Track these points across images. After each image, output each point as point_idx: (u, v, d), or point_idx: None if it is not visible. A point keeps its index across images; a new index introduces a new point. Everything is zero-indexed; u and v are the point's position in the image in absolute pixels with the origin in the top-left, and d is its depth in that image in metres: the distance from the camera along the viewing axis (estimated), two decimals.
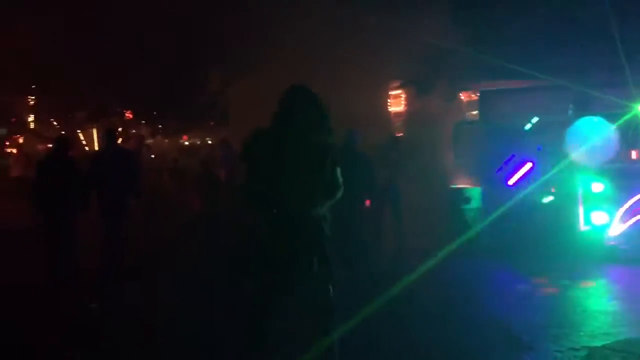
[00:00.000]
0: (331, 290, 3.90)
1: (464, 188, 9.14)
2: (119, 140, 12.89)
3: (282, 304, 3.87)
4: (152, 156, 18.50)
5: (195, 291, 6.50)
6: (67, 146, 7.69)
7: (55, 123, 18.48)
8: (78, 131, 19.99)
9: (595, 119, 8.03)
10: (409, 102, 17.11)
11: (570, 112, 8.63)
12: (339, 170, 3.91)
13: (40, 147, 18.94)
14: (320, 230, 3.85)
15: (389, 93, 17.86)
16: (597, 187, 7.85)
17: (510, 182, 8.83)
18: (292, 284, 3.83)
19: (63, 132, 18.79)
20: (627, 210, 7.62)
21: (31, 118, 17.70)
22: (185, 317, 5.68)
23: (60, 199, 7.19)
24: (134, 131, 19.24)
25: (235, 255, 5.97)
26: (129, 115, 17.92)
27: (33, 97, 17.32)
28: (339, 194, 3.93)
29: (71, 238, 7.33)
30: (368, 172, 7.53)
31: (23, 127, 18.43)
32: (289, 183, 3.75)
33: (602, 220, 7.80)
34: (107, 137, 8.02)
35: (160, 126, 18.85)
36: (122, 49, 14.23)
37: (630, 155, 8.17)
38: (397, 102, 18.23)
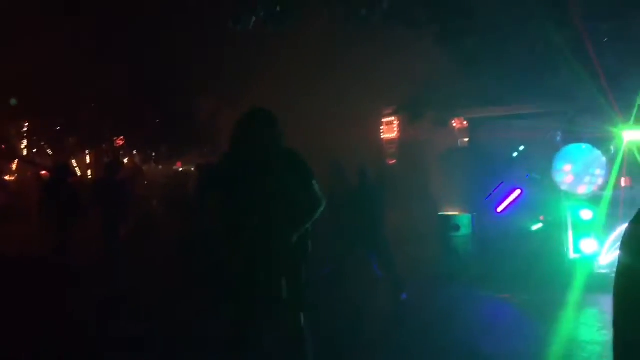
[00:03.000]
0: (302, 318, 3.79)
1: (453, 215, 9.07)
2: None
3: (256, 332, 3.76)
4: (145, 182, 18.43)
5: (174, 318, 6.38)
6: (67, 173, 8.64)
7: (49, 151, 18.41)
8: (72, 159, 19.97)
9: (584, 145, 8.00)
10: (402, 128, 17.17)
11: (558, 139, 8.60)
12: (315, 185, 3.84)
13: (29, 174, 18.89)
14: (292, 252, 3.75)
15: (382, 120, 17.93)
16: (586, 214, 7.78)
17: (499, 209, 8.77)
18: (261, 312, 3.72)
19: (56, 159, 18.77)
20: (616, 237, 7.53)
21: (23, 145, 17.70)
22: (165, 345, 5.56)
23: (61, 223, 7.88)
24: (128, 159, 19.22)
25: (214, 282, 5.86)
26: (119, 142, 17.89)
27: (25, 124, 17.32)
28: (319, 210, 3.84)
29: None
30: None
31: (14, 154, 18.38)
32: (257, 204, 3.68)
33: (592, 248, 7.72)
34: (109, 168, 9.05)
35: (153, 153, 18.80)
36: (116, 76, 14.28)
37: (619, 182, 8.11)
38: (389, 129, 18.30)
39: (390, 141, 17.64)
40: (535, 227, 8.47)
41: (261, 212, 3.69)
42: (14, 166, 21.72)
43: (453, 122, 13.73)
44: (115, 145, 17.90)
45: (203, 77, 15.08)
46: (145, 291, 7.64)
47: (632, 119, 7.54)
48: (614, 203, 7.64)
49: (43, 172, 15.52)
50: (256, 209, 3.69)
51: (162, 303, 7.02)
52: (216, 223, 3.97)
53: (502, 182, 8.78)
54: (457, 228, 8.89)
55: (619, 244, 1.56)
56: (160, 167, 23.75)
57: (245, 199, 3.71)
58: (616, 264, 1.58)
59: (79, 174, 18.25)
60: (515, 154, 9.09)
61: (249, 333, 3.76)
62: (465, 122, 12.74)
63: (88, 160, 21.35)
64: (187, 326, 6.00)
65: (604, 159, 7.94)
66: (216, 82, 15.44)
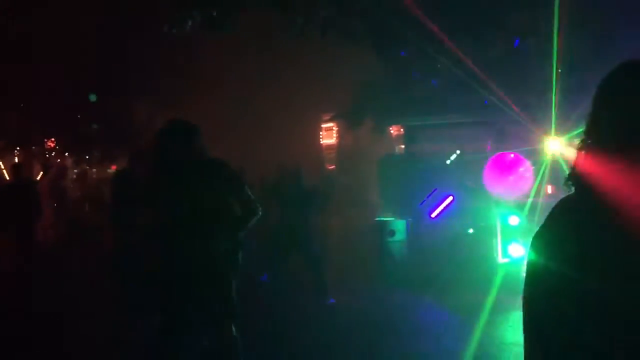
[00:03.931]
0: (233, 329, 3.77)
1: (388, 220, 9.24)
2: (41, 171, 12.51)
3: (186, 343, 3.73)
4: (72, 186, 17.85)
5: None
6: None
7: None
8: None
9: (512, 154, 8.34)
10: (340, 134, 17.38)
11: (489, 148, 8.93)
12: (247, 189, 3.83)
13: None
14: (220, 262, 3.74)
15: (321, 126, 18.10)
16: (514, 220, 8.09)
17: (433, 214, 9.01)
18: (191, 322, 3.69)
19: None
20: None
21: None
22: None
23: None
24: (58, 160, 18.57)
25: (140, 292, 5.74)
26: (50, 144, 17.29)
27: None
28: (257, 212, 3.83)
29: None
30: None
31: None
32: (180, 219, 3.64)
33: (519, 253, 8.02)
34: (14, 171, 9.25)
35: (86, 156, 18.25)
36: (46, 76, 13.81)
37: (545, 189, 8.49)
38: (329, 135, 18.48)
39: (329, 147, 17.82)
40: (468, 232, 8.75)
41: (184, 223, 3.65)
42: None
43: (390, 129, 14.02)
44: (45, 147, 17.28)
45: (139, 79, 14.79)
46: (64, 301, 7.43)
47: (553, 130, 7.92)
48: (539, 209, 7.98)
49: None
50: (178, 220, 3.65)
51: (84, 314, 6.84)
52: (140, 235, 3.89)
53: (435, 189, 9.02)
54: (393, 233, 9.06)
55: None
56: (94, 170, 23.09)
57: (167, 212, 3.67)
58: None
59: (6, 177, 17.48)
60: (448, 162, 9.37)
61: (178, 344, 3.72)
62: (401, 130, 13.04)
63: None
64: (112, 339, 5.87)
65: (531, 167, 8.30)
66: (152, 85, 15.17)
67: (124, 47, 13.52)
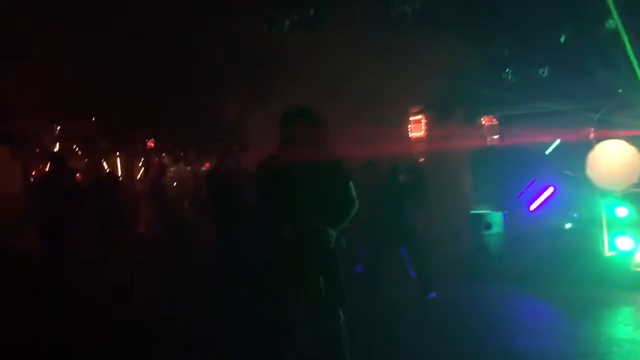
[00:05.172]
0: (341, 315, 3.84)
1: (485, 213, 9.04)
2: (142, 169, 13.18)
3: (296, 329, 3.83)
4: (175, 184, 18.68)
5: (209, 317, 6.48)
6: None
7: (79, 152, 18.78)
8: (103, 160, 20.31)
9: (617, 142, 7.92)
10: (430, 127, 17.11)
11: (591, 135, 8.53)
12: (352, 186, 3.90)
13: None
14: (331, 250, 3.81)
15: (410, 118, 17.89)
16: (622, 211, 7.70)
17: (532, 207, 8.72)
18: (300, 311, 3.79)
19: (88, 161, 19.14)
20: None
21: (56, 148, 18.06)
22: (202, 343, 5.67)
23: None
24: (157, 159, 19.49)
25: (250, 281, 5.95)
26: (150, 144, 18.17)
27: (57, 127, 17.67)
28: (354, 211, 3.92)
29: None
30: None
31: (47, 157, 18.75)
32: (301, 203, 3.75)
33: (628, 246, 7.64)
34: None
35: (181, 154, 19.05)
36: (143, 78, 14.50)
37: None
38: (417, 127, 18.24)
39: (418, 139, 17.60)
40: (569, 225, 8.41)
41: (304, 213, 3.75)
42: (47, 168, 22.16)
43: (482, 120, 13.66)
44: (146, 147, 18.20)
45: (230, 77, 15.22)
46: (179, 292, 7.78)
47: None
48: None
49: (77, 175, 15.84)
50: (300, 209, 3.76)
51: (197, 303, 7.14)
52: (257, 224, 4.05)
53: (534, 180, 8.73)
54: (489, 226, 8.87)
55: None
56: (189, 168, 24.07)
57: (291, 200, 3.78)
58: None
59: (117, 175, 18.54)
60: (547, 152, 9.02)
61: (288, 332, 3.83)
62: (494, 120, 12.66)
63: (119, 162, 21.70)
64: (223, 327, 6.10)
65: (638, 155, 7.84)
66: (243, 83, 15.58)
67: (218, 45, 13.96)
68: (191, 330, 6.09)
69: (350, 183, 3.92)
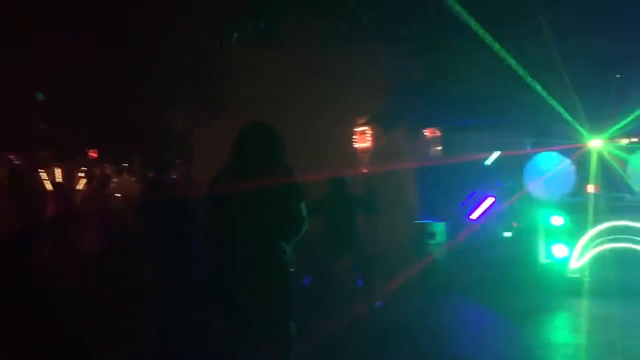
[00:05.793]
0: (293, 329, 3.88)
1: (428, 223, 9.24)
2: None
3: (248, 343, 3.84)
4: (118, 195, 18.21)
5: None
6: None
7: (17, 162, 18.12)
8: (40, 170, 19.66)
9: (553, 154, 8.28)
10: (375, 138, 17.38)
11: (528, 147, 8.88)
12: (303, 204, 3.95)
13: None
14: (282, 264, 3.85)
15: (355, 129, 18.11)
16: (557, 220, 8.02)
17: (473, 216, 8.99)
18: (256, 322, 3.80)
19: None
20: (586, 242, 7.80)
21: None
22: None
23: None
24: (100, 170, 19.01)
25: (203, 293, 5.89)
26: (93, 154, 17.74)
27: None
28: (304, 228, 3.96)
29: None
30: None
31: None
32: (252, 219, 3.77)
33: (563, 253, 7.96)
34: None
35: (126, 165, 18.63)
36: (86, 88, 14.18)
37: (587, 188, 8.40)
38: (362, 139, 18.49)
39: (364, 150, 17.82)
40: (507, 234, 8.70)
41: (258, 227, 3.78)
42: None
43: (426, 131, 13.97)
44: (88, 157, 17.75)
45: (177, 89, 15.05)
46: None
47: (600, 129, 7.86)
48: (583, 209, 7.91)
49: None
50: (254, 223, 3.78)
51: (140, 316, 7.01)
52: (208, 238, 4.04)
53: (475, 191, 9.01)
54: (433, 235, 9.06)
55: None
56: (133, 178, 23.55)
57: (243, 215, 3.80)
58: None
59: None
60: (487, 163, 9.34)
61: (240, 347, 3.84)
62: (438, 132, 12.99)
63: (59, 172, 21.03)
64: (176, 342, 6.01)
65: (572, 166, 8.23)
66: (187, 95, 15.40)
67: (164, 58, 13.78)
68: (140, 345, 5.98)
69: (302, 197, 3.95)
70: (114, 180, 16.65)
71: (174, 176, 13.14)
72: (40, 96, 14.31)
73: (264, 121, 4.02)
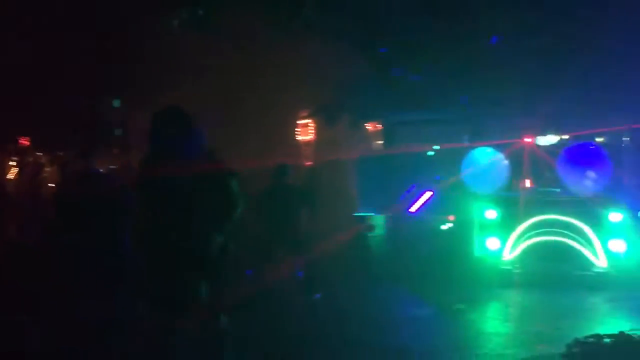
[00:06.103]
0: (224, 320, 3.81)
1: (367, 216, 9.34)
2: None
3: (176, 335, 3.74)
4: (50, 185, 17.60)
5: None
6: None
7: None
8: None
9: (488, 149, 8.50)
10: (317, 131, 17.42)
11: (466, 142, 9.09)
12: (234, 187, 3.83)
13: None
14: (214, 254, 3.76)
15: (298, 122, 18.11)
16: (491, 214, 8.23)
17: (412, 209, 9.14)
18: (181, 315, 3.71)
19: None
20: (518, 235, 8.04)
21: None
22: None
23: None
24: (32, 159, 18.29)
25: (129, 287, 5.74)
26: (24, 142, 17.02)
27: None
28: (236, 213, 3.85)
29: None
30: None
31: None
32: (182, 207, 3.67)
33: (496, 246, 8.18)
34: None
35: (60, 154, 17.99)
36: (19, 75, 13.58)
37: (520, 183, 8.68)
38: (305, 132, 18.51)
39: (306, 143, 17.84)
40: (445, 227, 8.89)
41: (180, 214, 3.67)
42: None
43: (367, 125, 14.11)
44: (20, 145, 17.01)
45: (111, 76, 14.62)
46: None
47: (534, 125, 8.12)
48: (516, 203, 8.16)
49: None
50: (176, 211, 3.68)
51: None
52: (135, 229, 3.91)
53: (414, 184, 9.15)
54: (372, 228, 9.17)
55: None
56: (65, 168, 22.77)
57: (165, 201, 3.68)
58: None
59: None
60: (427, 157, 9.51)
61: (168, 336, 3.74)
62: (379, 126, 13.14)
63: None
64: (102, 336, 5.84)
65: (507, 162, 8.47)
66: (128, 83, 14.99)
67: (99, 44, 13.35)
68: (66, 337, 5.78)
69: (233, 182, 3.84)
70: (46, 169, 16.08)
71: (114, 166, 12.81)
72: None
73: (179, 106, 3.87)
